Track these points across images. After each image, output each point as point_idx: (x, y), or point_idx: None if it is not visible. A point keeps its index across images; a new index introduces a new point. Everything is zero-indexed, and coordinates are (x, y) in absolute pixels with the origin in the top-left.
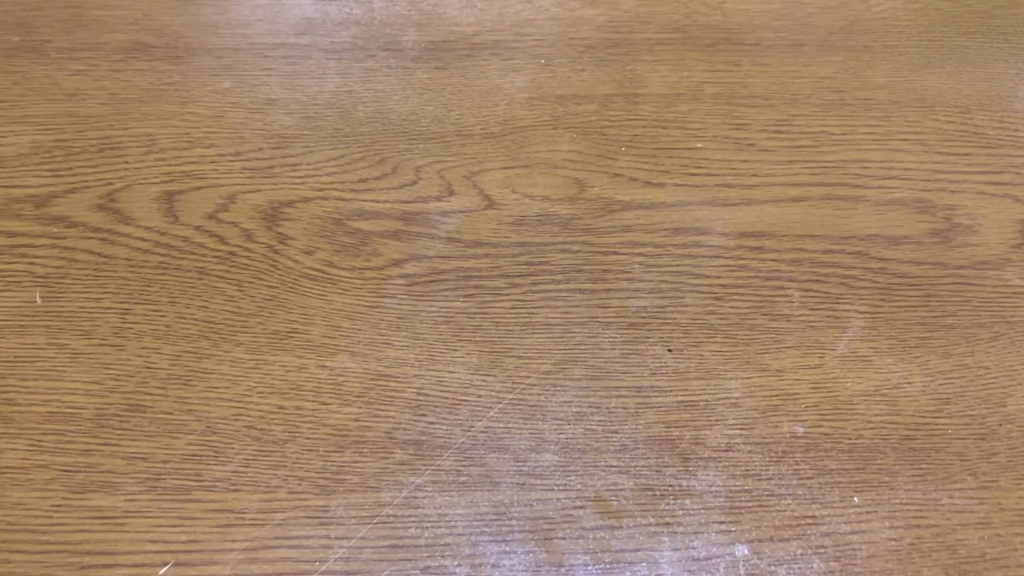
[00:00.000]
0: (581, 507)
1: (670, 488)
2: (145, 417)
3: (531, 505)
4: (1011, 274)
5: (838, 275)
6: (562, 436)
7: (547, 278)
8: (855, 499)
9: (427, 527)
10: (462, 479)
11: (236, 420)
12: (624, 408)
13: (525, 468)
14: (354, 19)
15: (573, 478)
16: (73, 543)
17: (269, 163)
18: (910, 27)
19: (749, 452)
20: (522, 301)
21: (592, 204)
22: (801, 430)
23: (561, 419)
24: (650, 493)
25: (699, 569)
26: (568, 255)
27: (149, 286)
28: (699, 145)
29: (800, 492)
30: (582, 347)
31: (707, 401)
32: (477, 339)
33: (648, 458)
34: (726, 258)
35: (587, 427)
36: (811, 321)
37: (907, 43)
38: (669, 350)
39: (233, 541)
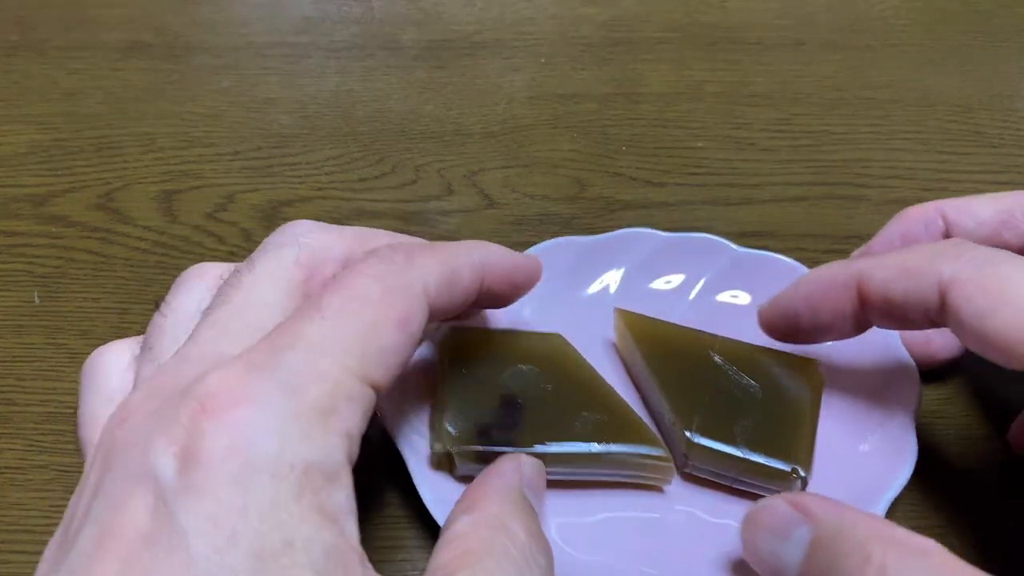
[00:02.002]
0: None
1: None
2: None
3: None
4: None
5: None
6: None
7: None
8: None
9: (427, 528)
10: None
11: None
12: None
13: None
14: (353, 18)
15: None
16: None
17: (268, 162)
18: (912, 26)
19: None
20: None
21: (592, 204)
22: None
23: None
24: None
25: None
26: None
27: (148, 286)
28: (700, 144)
29: None
30: None
31: None
32: None
33: None
34: None
35: None
36: None
37: (909, 42)
38: None
39: None
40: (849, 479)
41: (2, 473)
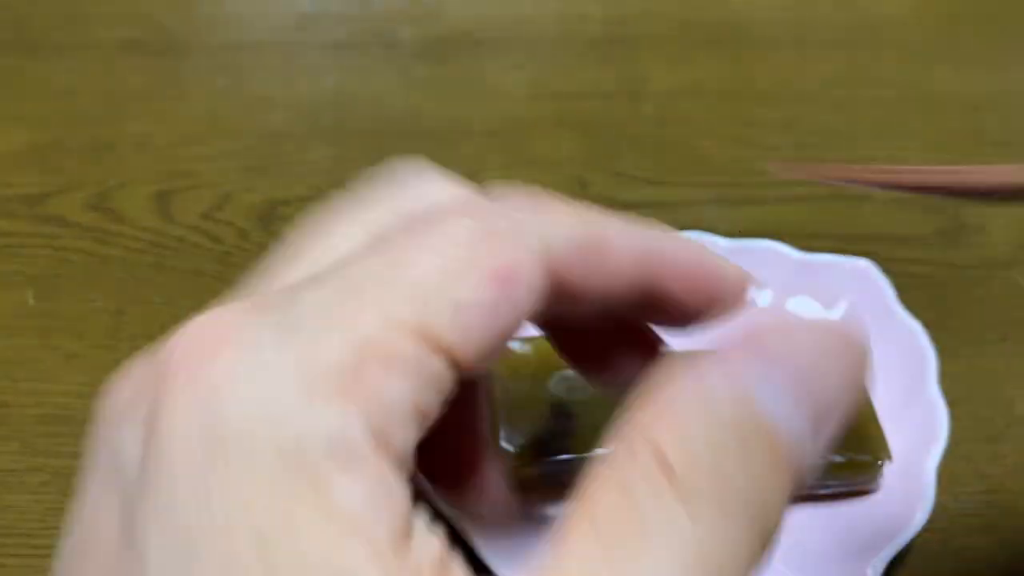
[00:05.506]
0: None
1: None
2: None
3: None
4: (1019, 274)
5: None
6: None
7: None
8: None
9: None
10: None
11: None
12: None
13: None
14: (351, 15)
15: None
16: None
17: (264, 161)
18: (917, 24)
19: None
20: None
21: (594, 203)
22: None
23: None
24: None
25: None
26: None
27: (143, 286)
28: (703, 143)
29: None
30: None
31: None
32: None
33: None
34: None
35: None
36: None
37: (914, 40)
38: None
39: None
40: (897, 454)
41: None
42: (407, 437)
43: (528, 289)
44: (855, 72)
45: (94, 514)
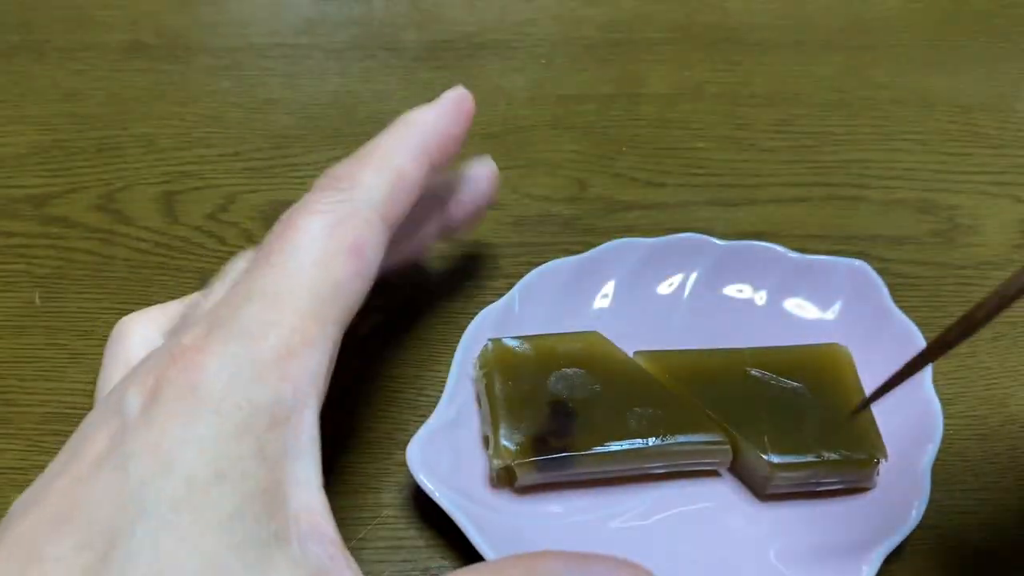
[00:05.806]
0: None
1: None
2: None
3: None
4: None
5: None
6: None
7: None
8: None
9: (427, 528)
10: None
11: None
12: None
13: None
14: (354, 18)
15: None
16: None
17: (269, 163)
18: (912, 26)
19: None
20: None
21: (593, 204)
22: None
23: None
24: None
25: None
26: (569, 255)
27: (148, 286)
28: (700, 145)
29: None
30: None
31: None
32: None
33: None
34: None
35: None
36: None
37: (909, 42)
38: None
39: None
40: (892, 452)
41: (3, 473)
42: (322, 385)
43: (376, 247)
44: (851, 74)
45: (92, 433)
